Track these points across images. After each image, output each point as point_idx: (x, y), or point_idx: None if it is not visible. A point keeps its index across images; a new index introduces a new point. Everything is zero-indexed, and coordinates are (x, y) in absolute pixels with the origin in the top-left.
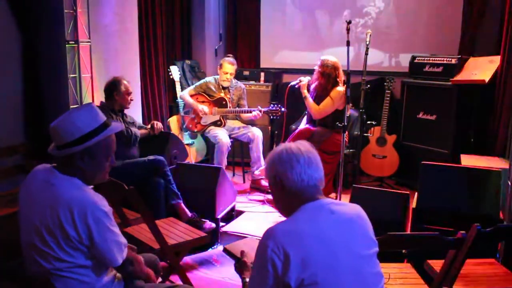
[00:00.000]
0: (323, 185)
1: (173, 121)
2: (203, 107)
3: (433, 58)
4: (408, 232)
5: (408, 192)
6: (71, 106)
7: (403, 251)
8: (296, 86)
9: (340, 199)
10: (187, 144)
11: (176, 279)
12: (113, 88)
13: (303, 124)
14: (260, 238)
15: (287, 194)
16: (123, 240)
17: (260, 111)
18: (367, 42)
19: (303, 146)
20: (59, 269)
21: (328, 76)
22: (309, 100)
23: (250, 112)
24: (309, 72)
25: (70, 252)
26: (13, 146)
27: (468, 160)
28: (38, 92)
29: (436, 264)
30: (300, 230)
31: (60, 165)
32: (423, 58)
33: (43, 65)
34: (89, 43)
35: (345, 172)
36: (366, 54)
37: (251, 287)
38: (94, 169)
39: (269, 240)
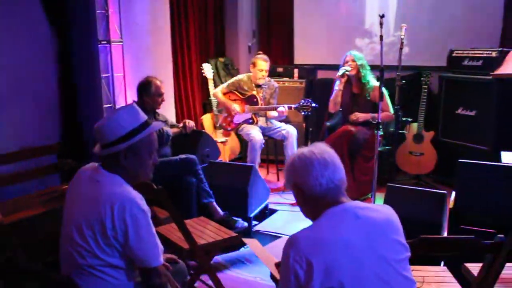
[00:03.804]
0: (346, 185)
1: (207, 119)
2: (235, 106)
3: (473, 52)
4: (445, 233)
5: (445, 192)
6: (104, 106)
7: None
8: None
9: (374, 198)
10: (221, 142)
11: (206, 279)
12: (143, 89)
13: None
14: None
15: (308, 200)
16: (159, 244)
17: (290, 107)
18: (402, 36)
19: (317, 148)
20: (91, 266)
21: (363, 67)
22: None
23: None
24: None
25: (105, 249)
26: (48, 146)
27: (509, 158)
28: (71, 91)
29: (474, 268)
30: (323, 237)
31: (105, 164)
32: (462, 52)
33: (76, 65)
34: (121, 43)
35: (381, 170)
36: (401, 48)
37: None
38: (137, 166)
39: (291, 248)
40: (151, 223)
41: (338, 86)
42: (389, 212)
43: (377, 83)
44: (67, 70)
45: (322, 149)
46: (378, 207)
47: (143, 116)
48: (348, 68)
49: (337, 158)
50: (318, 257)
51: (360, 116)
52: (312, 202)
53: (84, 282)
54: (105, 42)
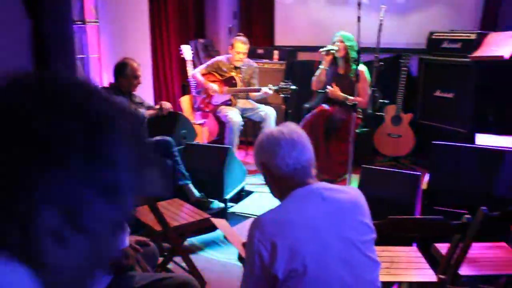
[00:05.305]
0: (313, 166)
1: (185, 101)
2: (213, 85)
3: (452, 34)
4: (417, 214)
5: (419, 173)
6: None
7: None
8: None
9: (350, 180)
10: (198, 124)
11: (180, 260)
12: (119, 71)
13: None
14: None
15: (276, 180)
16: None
17: (270, 89)
18: (381, 17)
19: (287, 128)
20: None
21: (352, 49)
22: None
23: (259, 90)
24: None
25: None
26: None
27: (484, 140)
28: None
29: (443, 248)
30: (288, 218)
31: None
32: (441, 34)
33: (50, 46)
34: (97, 23)
35: (359, 152)
36: (380, 30)
37: (243, 276)
38: None
39: (255, 230)
40: None
41: (323, 64)
42: (356, 194)
43: (364, 67)
44: (41, 51)
45: (291, 129)
46: (345, 189)
47: None
48: (335, 48)
49: (306, 139)
50: (282, 238)
51: (337, 92)
52: (279, 182)
53: None
54: (80, 22)
